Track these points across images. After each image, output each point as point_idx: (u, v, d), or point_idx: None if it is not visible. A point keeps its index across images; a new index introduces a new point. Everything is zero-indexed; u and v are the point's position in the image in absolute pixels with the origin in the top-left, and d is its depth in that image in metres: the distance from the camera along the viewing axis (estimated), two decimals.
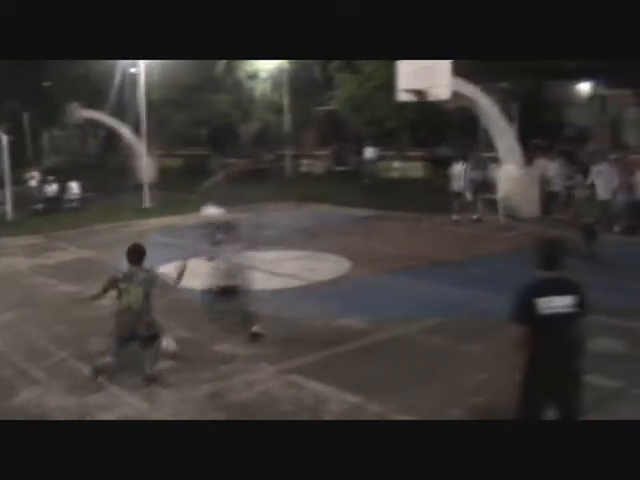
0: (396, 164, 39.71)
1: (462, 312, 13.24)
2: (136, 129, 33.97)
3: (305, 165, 44.11)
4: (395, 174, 39.38)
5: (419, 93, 22.29)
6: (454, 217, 23.63)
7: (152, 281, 10.21)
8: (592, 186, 21.03)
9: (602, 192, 21.14)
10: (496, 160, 25.18)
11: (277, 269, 17.06)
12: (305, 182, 37.65)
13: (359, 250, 19.13)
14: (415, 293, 14.80)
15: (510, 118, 26.47)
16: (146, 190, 30.19)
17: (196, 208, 24.70)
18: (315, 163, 43.81)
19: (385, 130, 36.23)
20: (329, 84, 36.38)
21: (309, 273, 16.78)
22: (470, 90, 22.77)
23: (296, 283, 15.97)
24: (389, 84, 25.70)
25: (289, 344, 11.76)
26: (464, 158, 25.20)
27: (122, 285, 10.01)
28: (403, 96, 23.06)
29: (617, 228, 21.08)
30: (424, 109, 30.82)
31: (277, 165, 43.12)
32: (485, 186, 24.37)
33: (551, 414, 7.03)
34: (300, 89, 40.43)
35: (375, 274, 16.55)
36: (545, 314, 6.83)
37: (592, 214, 17.29)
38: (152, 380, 10.13)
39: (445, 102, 24.20)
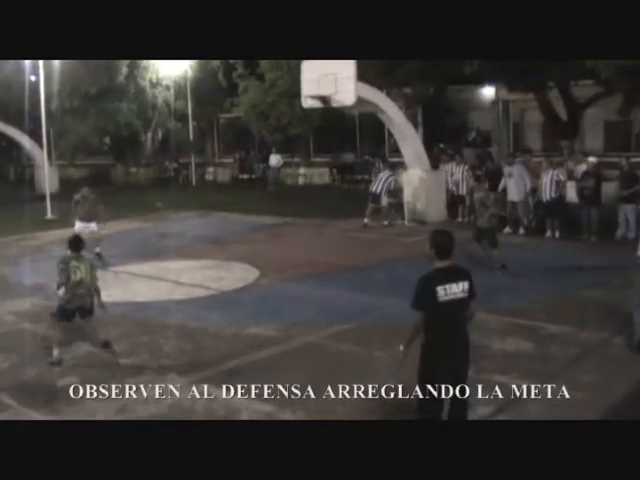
0: (301, 170, 39.87)
1: (367, 317, 13.33)
2: (37, 139, 33.34)
3: (210, 173, 43.95)
4: (300, 180, 39.54)
5: (324, 99, 22.33)
6: (366, 220, 23.74)
7: (93, 264, 12.27)
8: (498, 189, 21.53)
9: (512, 194, 21.59)
10: (402, 165, 25.45)
11: (183, 279, 16.91)
12: (210, 190, 37.51)
13: (266, 258, 19.08)
14: (322, 299, 14.82)
15: (415, 123, 26.79)
16: (48, 201, 29.61)
17: (104, 219, 24.41)
18: (220, 171, 43.68)
19: (290, 137, 36.32)
20: (233, 91, 36.26)
21: (216, 282, 16.64)
22: (375, 96, 22.91)
23: (203, 293, 15.82)
24: (293, 91, 25.77)
25: (197, 354, 11.64)
26: (382, 162, 25.56)
27: (73, 264, 11.69)
28: (308, 102, 23.09)
29: (522, 230, 21.52)
30: (329, 115, 30.94)
31: (181, 173, 42.85)
32: (393, 191, 24.61)
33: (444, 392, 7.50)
34: (204, 96, 40.24)
35: (282, 282, 16.52)
36: (444, 300, 7.34)
37: (489, 217, 17.44)
38: (108, 345, 11.64)
39: (350, 108, 24.25)
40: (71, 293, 11.71)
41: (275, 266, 18.07)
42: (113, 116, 39.47)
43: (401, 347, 7.77)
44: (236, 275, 17.45)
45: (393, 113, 23.90)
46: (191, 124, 41.74)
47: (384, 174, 24.49)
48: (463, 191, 24.09)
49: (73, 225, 19.55)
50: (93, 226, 19.78)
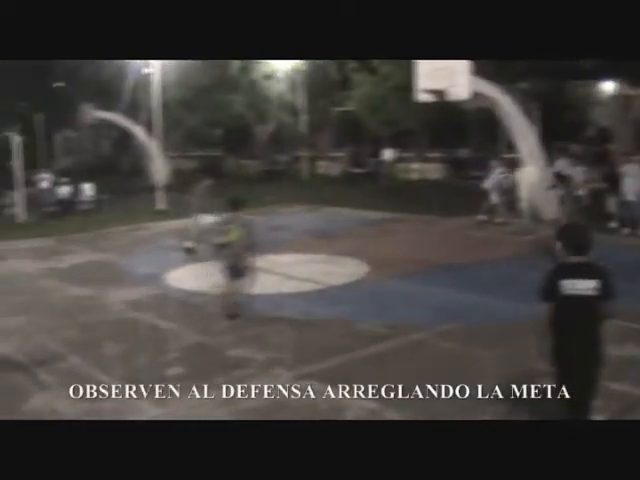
0: (414, 166, 39.70)
1: (475, 317, 13.25)
2: (149, 130, 34.04)
3: (321, 167, 44.15)
4: (413, 176, 39.37)
5: (438, 93, 22.21)
6: (480, 217, 23.65)
7: (248, 225, 13.50)
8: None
9: (628, 193, 21.27)
10: (518, 162, 25.14)
11: (292, 272, 17.05)
12: (321, 184, 37.67)
13: (375, 253, 19.10)
14: (430, 297, 14.76)
15: (531, 119, 26.38)
16: (160, 192, 30.23)
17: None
18: (331, 165, 43.85)
19: (403, 131, 36.22)
20: (345, 85, 36.36)
21: (325, 277, 16.76)
22: (490, 90, 22.68)
23: (312, 287, 15.95)
24: (406, 84, 25.64)
25: (304, 349, 11.74)
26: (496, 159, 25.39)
27: (227, 226, 13.29)
28: (422, 96, 22.99)
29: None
30: (443, 110, 30.75)
31: (292, 167, 43.18)
32: (507, 188, 24.37)
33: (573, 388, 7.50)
34: (316, 90, 40.47)
35: (391, 278, 16.52)
36: (568, 294, 7.36)
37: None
38: (234, 317, 13.32)
39: (465, 102, 24.08)
40: (224, 253, 13.37)
41: (384, 262, 18.08)
42: (225, 108, 40.07)
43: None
44: (345, 270, 17.53)
45: (509, 108, 23.61)
46: (303, 117, 42.06)
47: (497, 171, 24.30)
48: (580, 192, 23.64)
49: (187, 216, 19.91)
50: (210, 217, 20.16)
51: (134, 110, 37.33)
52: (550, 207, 22.95)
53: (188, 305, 14.75)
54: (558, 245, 7.58)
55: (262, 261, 17.08)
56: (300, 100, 40.87)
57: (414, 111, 32.26)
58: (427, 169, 39.20)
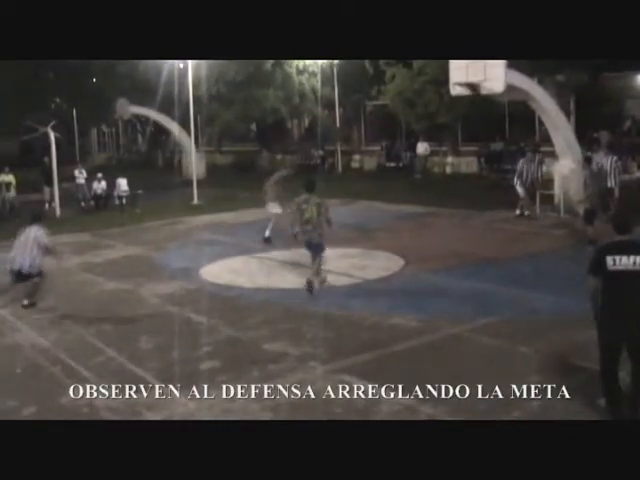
0: (449, 159, 39.55)
1: (512, 311, 13.16)
2: (184, 125, 34.19)
3: (356, 161, 44.12)
4: (448, 169, 39.23)
5: (472, 87, 22.13)
6: (518, 211, 23.55)
7: (322, 204, 15.15)
8: None
9: None
10: (553, 155, 24.98)
11: (327, 266, 17.05)
12: (356, 178, 37.65)
13: (410, 247, 19.07)
14: (465, 291, 14.70)
15: (567, 112, 26.21)
16: (195, 187, 30.36)
17: (246, 205, 24.90)
18: (366, 159, 43.80)
19: (437, 125, 36.06)
20: (380, 78, 36.26)
21: (360, 270, 16.77)
22: (525, 83, 22.54)
23: (347, 281, 15.97)
24: (441, 78, 25.56)
25: (339, 343, 11.74)
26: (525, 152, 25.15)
27: (303, 205, 15.05)
28: (456, 90, 22.91)
29: None
30: (477, 103, 30.58)
31: (327, 161, 43.18)
32: (542, 181, 24.17)
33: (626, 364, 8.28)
34: (350, 83, 40.42)
35: (426, 272, 16.49)
36: (613, 270, 8.11)
37: None
38: (311, 285, 14.88)
39: (499, 96, 23.93)
40: (301, 230, 15.18)
41: (419, 256, 18.05)
42: (259, 102, 40.12)
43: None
44: (380, 264, 17.52)
45: (544, 101, 23.48)
46: (338, 111, 42.04)
47: (522, 163, 24.09)
48: (612, 183, 23.36)
49: (219, 211, 20.08)
50: (277, 207, 20.77)
51: (169, 105, 37.53)
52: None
53: (223, 299, 14.82)
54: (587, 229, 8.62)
55: (297, 255, 17.15)
56: (334, 94, 40.84)
57: (448, 105, 32.14)
58: (461, 163, 39.03)
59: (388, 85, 35.51)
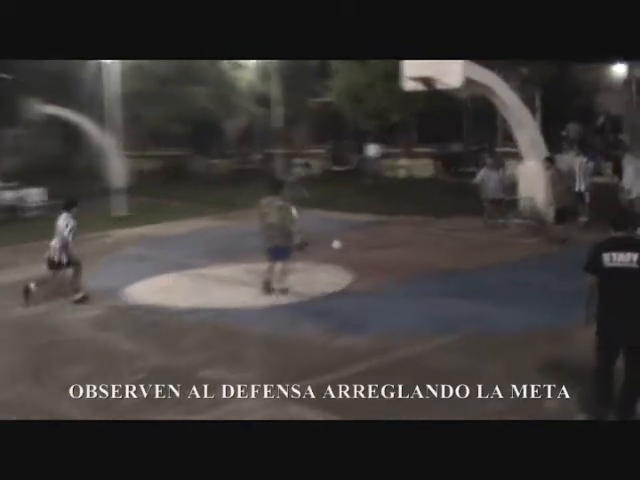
0: (402, 162, 39.77)
1: (475, 327, 13.27)
2: (106, 126, 33.90)
3: (298, 165, 44.14)
4: (401, 173, 39.42)
5: (427, 81, 22.26)
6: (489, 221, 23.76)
7: (285, 207, 15.83)
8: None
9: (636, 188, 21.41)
10: (516, 156, 25.22)
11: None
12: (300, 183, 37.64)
13: (361, 260, 19.11)
14: (424, 307, 14.80)
15: (532, 107, 26.49)
16: (118, 196, 30.11)
17: (178, 216, 24.82)
18: (310, 162, 43.86)
19: (389, 124, 36.26)
20: (324, 72, 36.37)
21: (305, 287, 16.75)
22: (485, 76, 22.72)
23: (291, 299, 15.97)
24: (393, 72, 25.68)
25: (284, 367, 11.72)
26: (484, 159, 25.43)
27: (265, 209, 15.77)
28: (409, 85, 23.03)
29: None
30: (433, 100, 30.81)
31: (267, 165, 43.12)
32: (503, 186, 24.36)
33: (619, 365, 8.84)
34: (292, 79, 40.43)
35: (380, 287, 16.55)
36: (609, 267, 8.65)
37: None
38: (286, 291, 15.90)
39: (457, 91, 24.14)
40: (265, 235, 15.81)
41: (371, 269, 18.10)
42: (190, 101, 39.95)
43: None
44: (328, 279, 17.55)
45: (507, 96, 23.71)
46: (278, 110, 42.06)
47: (486, 166, 24.33)
48: (582, 187, 23.59)
49: (147, 223, 20.08)
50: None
51: (92, 105, 37.14)
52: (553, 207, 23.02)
53: (153, 321, 14.74)
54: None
55: (234, 271, 17.12)
56: (274, 91, 40.86)
57: (401, 102, 32.30)
58: (416, 166, 39.26)
59: (334, 80, 35.63)
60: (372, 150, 39.11)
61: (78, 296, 16.17)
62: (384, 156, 39.75)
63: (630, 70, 32.48)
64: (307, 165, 22.53)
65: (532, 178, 23.80)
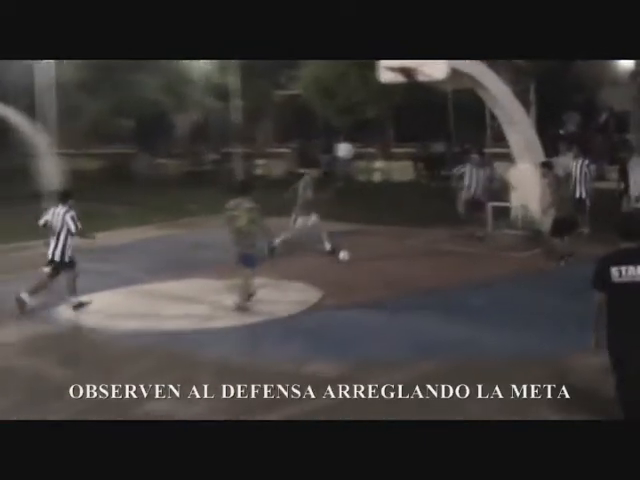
0: (378, 164, 39.85)
1: (462, 353, 13.28)
2: (39, 120, 33.74)
3: (261, 166, 44.10)
4: (377, 177, 39.48)
5: (407, 72, 22.25)
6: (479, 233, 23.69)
7: (255, 209, 16.18)
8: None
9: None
10: (508, 157, 25.27)
11: (225, 301, 16.98)
12: (261, 188, 37.43)
13: (331, 275, 19.15)
14: (402, 330, 14.82)
15: (527, 103, 26.59)
16: (51, 200, 29.87)
17: (122, 223, 24.70)
18: (274, 164, 43.84)
19: (363, 120, 36.30)
20: (291, 61, 36.36)
21: (267, 306, 16.72)
22: (473, 67, 22.74)
23: (250, 319, 15.94)
24: (368, 61, 25.68)
25: (242, 398, 11.66)
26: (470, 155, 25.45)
27: (232, 212, 16.21)
28: (387, 76, 23.02)
29: None
30: (414, 93, 30.86)
31: (223, 167, 43.04)
32: (490, 188, 24.41)
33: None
34: (253, 68, 40.39)
35: (352, 306, 16.53)
36: (619, 282, 8.68)
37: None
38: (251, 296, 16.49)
39: (441, 83, 24.18)
40: (233, 240, 16.28)
41: (343, 286, 18.14)
42: (136, 92, 39.84)
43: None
44: (292, 297, 17.56)
45: (497, 89, 23.75)
46: (236, 103, 41.99)
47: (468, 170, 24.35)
48: (583, 193, 23.57)
49: (101, 230, 20.26)
50: (314, 218, 21.99)
51: (14, 95, 36.90)
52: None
53: (92, 345, 14.67)
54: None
55: (184, 287, 17.07)
56: (233, 82, 40.80)
57: (377, 95, 32.34)
58: (394, 168, 39.33)
59: (302, 70, 35.62)
60: (344, 150, 39.13)
61: (78, 300, 16.64)
62: (357, 157, 39.80)
63: (637, 62, 32.61)
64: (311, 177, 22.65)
65: (526, 183, 23.82)
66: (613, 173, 29.44)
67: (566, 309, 14.75)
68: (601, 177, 28.05)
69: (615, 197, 23.89)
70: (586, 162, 24.09)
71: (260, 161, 44.21)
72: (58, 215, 16.61)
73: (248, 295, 16.44)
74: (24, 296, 16.46)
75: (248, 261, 16.31)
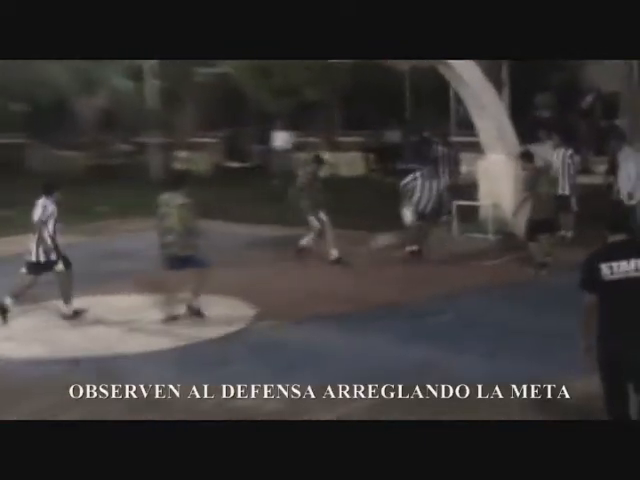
0: (323, 156, 39.80)
1: (425, 380, 13.13)
2: None
3: (181, 159, 43.89)
4: (321, 171, 39.41)
5: None
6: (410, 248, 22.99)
7: (187, 205, 16.49)
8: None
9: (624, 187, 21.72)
10: (475, 147, 25.35)
11: (139, 322, 16.90)
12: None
13: (267, 290, 19.09)
14: (353, 353, 14.80)
15: (498, 83, 26.69)
16: None
17: (11, 229, 24.46)
18: (197, 156, 43.64)
19: (304, 104, 36.31)
20: None
21: (190, 327, 16.68)
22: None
23: (170, 343, 15.88)
24: None
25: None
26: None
27: (163, 209, 16.37)
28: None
29: None
30: (364, 72, 30.92)
31: (136, 160, 42.84)
32: (461, 188, 24.47)
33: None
34: None
35: (292, 326, 16.55)
36: (611, 279, 8.94)
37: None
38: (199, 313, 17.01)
39: (396, 62, 24.24)
40: (162, 241, 16.50)
41: (281, 302, 18.09)
42: (32, 71, 39.63)
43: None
44: (220, 315, 17.49)
45: (464, 68, 23.83)
46: (153, 85, 41.83)
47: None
48: (566, 189, 23.56)
49: None
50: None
51: None
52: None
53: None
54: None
55: (91, 305, 16.98)
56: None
57: (321, 74, 32.37)
58: (341, 161, 39.29)
59: None
60: (281, 139, 39.05)
61: (72, 309, 17.10)
62: (297, 147, 39.70)
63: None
64: (319, 161, 22.54)
65: (497, 178, 23.89)
66: (600, 165, 29.62)
67: (545, 326, 14.82)
68: (586, 170, 28.21)
69: (603, 193, 23.96)
70: (569, 152, 24.18)
71: (182, 153, 43.93)
72: (39, 206, 17.17)
73: (170, 313, 16.64)
74: (8, 302, 17.07)
75: (189, 264, 16.63)
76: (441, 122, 36.44)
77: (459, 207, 24.23)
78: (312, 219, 22.22)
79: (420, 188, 23.21)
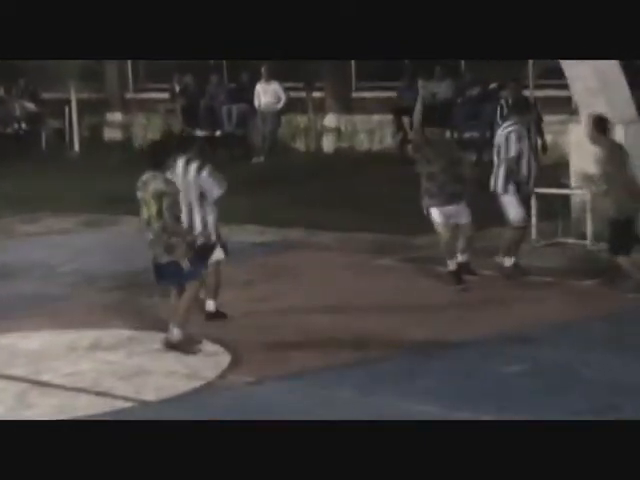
0: (327, 119, 39.54)
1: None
2: None
3: (115, 125, 43.86)
4: (326, 143, 39.22)
5: None
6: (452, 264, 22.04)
7: (172, 194, 16.95)
8: None
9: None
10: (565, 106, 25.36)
11: (55, 372, 16.93)
12: (116, 165, 37.27)
13: (244, 325, 19.12)
14: (374, 417, 14.77)
15: None
16: None
17: None
18: (139, 120, 43.65)
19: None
20: None
21: (133, 381, 16.69)
22: None
23: (104, 406, 15.84)
24: None
25: None
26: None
27: (140, 194, 17.03)
28: None
29: None
30: None
31: (46, 126, 42.89)
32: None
33: None
34: None
35: (277, 379, 16.49)
36: None
37: None
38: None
39: None
40: (148, 239, 17.32)
41: (265, 343, 18.09)
42: None
43: None
44: (178, 365, 17.57)
45: None
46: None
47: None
48: None
49: None
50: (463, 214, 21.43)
51: None
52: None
53: None
54: None
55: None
56: None
57: None
58: (357, 126, 39.11)
59: None
60: (266, 95, 38.76)
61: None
62: (290, 106, 39.30)
63: None
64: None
65: (598, 156, 23.01)
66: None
67: None
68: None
69: None
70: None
71: (115, 115, 43.90)
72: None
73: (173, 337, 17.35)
74: None
75: (166, 277, 17.66)
76: (512, 71, 36.20)
77: (539, 197, 24.05)
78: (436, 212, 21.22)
79: (516, 137, 22.39)
